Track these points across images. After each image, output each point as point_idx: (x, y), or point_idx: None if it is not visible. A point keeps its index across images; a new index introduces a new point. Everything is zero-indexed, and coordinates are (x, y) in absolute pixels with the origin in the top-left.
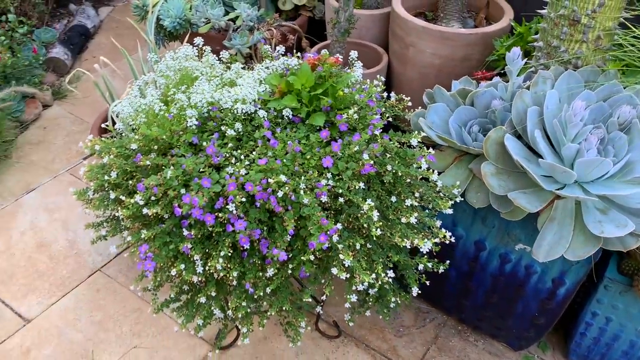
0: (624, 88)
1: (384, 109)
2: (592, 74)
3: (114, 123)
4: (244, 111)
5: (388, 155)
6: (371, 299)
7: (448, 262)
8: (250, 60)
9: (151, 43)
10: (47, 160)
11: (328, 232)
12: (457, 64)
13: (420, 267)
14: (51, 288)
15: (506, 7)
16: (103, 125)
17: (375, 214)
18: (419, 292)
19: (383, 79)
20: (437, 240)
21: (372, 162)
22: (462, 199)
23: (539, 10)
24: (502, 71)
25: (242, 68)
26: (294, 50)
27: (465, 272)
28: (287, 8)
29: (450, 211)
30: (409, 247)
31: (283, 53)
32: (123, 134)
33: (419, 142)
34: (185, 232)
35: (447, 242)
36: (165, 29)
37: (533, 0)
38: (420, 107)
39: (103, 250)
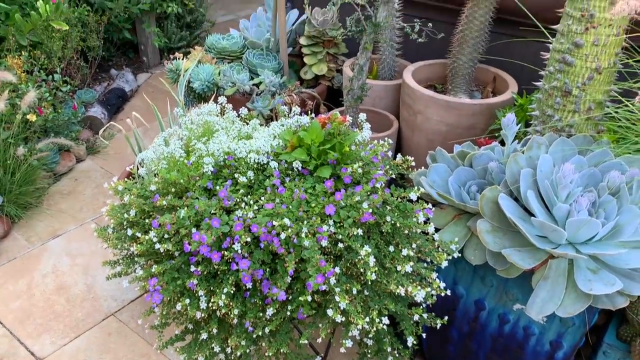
0: (616, 156)
1: (388, 167)
2: (585, 142)
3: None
4: (256, 161)
5: (388, 208)
6: (370, 351)
7: (447, 317)
8: (270, 122)
9: (180, 102)
10: (75, 209)
11: (326, 274)
12: (463, 131)
13: (416, 317)
14: (65, 329)
15: (511, 81)
16: (127, 169)
17: (371, 260)
18: (424, 355)
19: (391, 141)
20: (433, 291)
21: (370, 210)
22: (461, 255)
23: (536, 83)
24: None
25: (259, 125)
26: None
27: (466, 332)
28: (308, 77)
29: (446, 263)
30: (404, 295)
31: (298, 114)
32: (144, 178)
33: (420, 199)
34: (193, 269)
35: (443, 294)
36: (195, 91)
37: (539, 76)
38: (424, 168)
39: (118, 296)
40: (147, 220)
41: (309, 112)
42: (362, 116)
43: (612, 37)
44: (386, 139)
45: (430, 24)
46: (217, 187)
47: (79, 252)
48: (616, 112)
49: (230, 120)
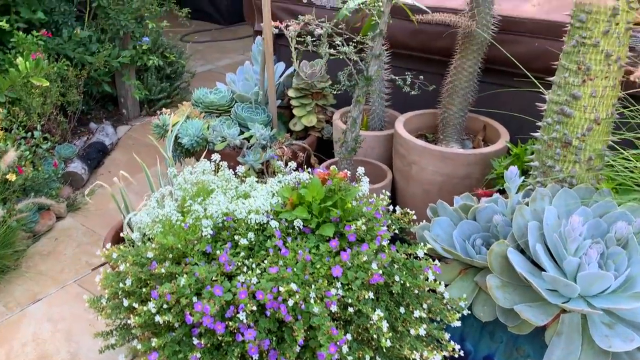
0: (618, 205)
1: (390, 222)
2: (587, 192)
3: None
4: (257, 221)
5: (396, 266)
6: None
7: None
8: (262, 175)
9: (169, 159)
10: (56, 271)
11: (337, 343)
12: (458, 181)
13: None
14: None
15: (502, 130)
16: (122, 234)
17: (384, 325)
18: None
19: (388, 193)
20: (445, 353)
21: (380, 272)
22: (470, 312)
23: (533, 134)
24: (501, 188)
25: (255, 182)
26: (304, 166)
27: None
28: (297, 129)
29: (458, 324)
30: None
31: (295, 169)
32: (138, 243)
33: (425, 253)
34: (195, 341)
35: (457, 355)
36: (183, 146)
37: (528, 125)
38: (424, 221)
39: None
40: (144, 289)
41: (301, 163)
42: (361, 170)
43: (609, 88)
44: (384, 191)
45: (421, 76)
46: (217, 251)
47: (61, 317)
48: (614, 161)
49: (225, 178)
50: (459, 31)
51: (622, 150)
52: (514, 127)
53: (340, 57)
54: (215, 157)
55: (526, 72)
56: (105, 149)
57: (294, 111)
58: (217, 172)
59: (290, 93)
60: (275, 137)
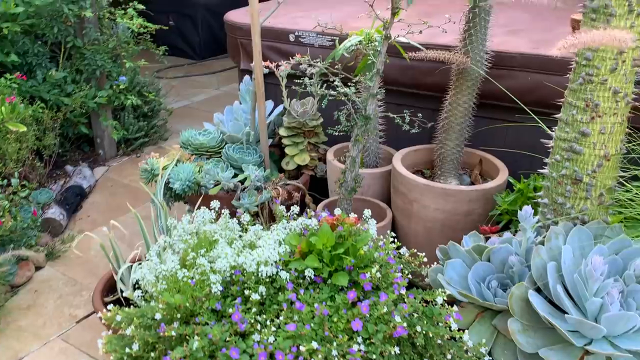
0: (632, 240)
1: (402, 266)
2: (599, 228)
3: (122, 291)
4: (267, 274)
5: (416, 315)
6: None
7: None
8: (257, 218)
9: (160, 205)
10: (37, 326)
11: None
12: (461, 218)
13: None
14: None
15: (499, 164)
16: (122, 294)
17: None
18: None
19: (393, 234)
20: None
21: (404, 324)
22: (490, 358)
23: (540, 170)
24: (507, 224)
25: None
26: (299, 207)
27: None
28: (290, 168)
29: None
30: None
31: (297, 213)
32: (141, 302)
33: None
34: None
35: None
36: (174, 190)
37: (523, 156)
38: (436, 263)
39: None
40: (152, 354)
41: (297, 204)
42: (367, 212)
43: (617, 125)
44: (388, 231)
45: (411, 111)
46: (228, 308)
47: None
48: (620, 195)
49: (227, 227)
50: (453, 68)
51: (626, 184)
52: (508, 159)
53: (338, 98)
54: (215, 204)
55: (523, 106)
56: (84, 192)
57: (286, 150)
58: (217, 219)
59: (282, 132)
60: (268, 177)
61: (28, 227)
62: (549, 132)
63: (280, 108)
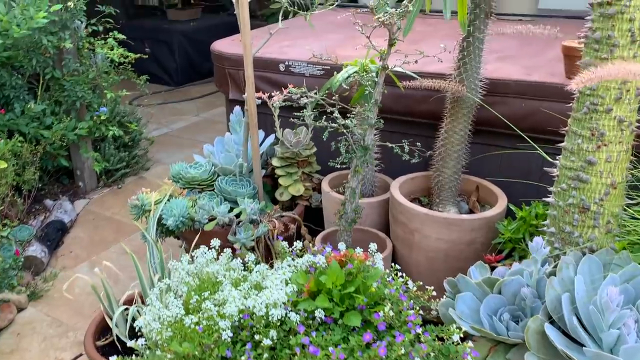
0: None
1: (412, 301)
2: (607, 257)
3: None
4: (278, 317)
5: (432, 354)
6: None
7: None
8: (253, 252)
9: (153, 242)
10: None
11: None
12: (464, 247)
13: None
14: None
15: (496, 190)
16: (126, 344)
17: None
18: None
19: (398, 267)
20: None
21: None
22: None
23: (546, 199)
24: (510, 252)
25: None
26: (294, 238)
27: None
28: (284, 199)
29: None
30: None
31: (301, 249)
32: (145, 351)
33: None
34: None
35: None
36: (167, 227)
37: (517, 183)
38: (443, 297)
39: None
40: None
41: (293, 237)
42: (373, 246)
43: (623, 153)
44: (393, 265)
45: (408, 139)
46: (239, 356)
47: None
48: (626, 222)
49: (230, 267)
50: (448, 95)
51: (628, 209)
52: (503, 184)
53: (339, 130)
54: (215, 242)
55: (519, 132)
56: (65, 227)
57: (280, 180)
58: (217, 257)
59: (275, 162)
60: (263, 209)
61: (10, 267)
62: (549, 159)
63: (271, 138)
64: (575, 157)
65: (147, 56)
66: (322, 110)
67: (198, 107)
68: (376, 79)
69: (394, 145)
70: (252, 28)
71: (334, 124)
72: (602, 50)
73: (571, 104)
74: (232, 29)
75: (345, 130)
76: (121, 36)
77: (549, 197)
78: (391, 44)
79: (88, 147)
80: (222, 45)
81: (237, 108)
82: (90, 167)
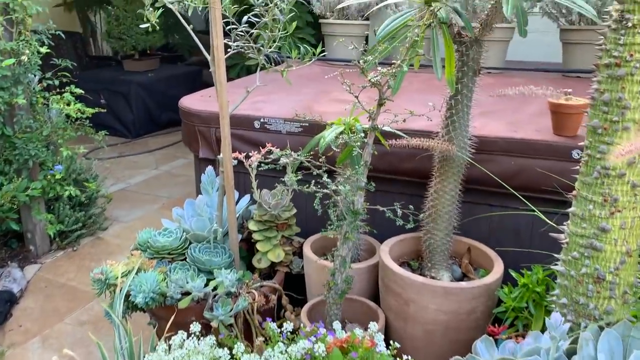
0: None
1: None
2: (625, 329)
3: None
4: None
5: None
6: None
7: None
8: (231, 329)
9: (120, 324)
10: None
11: None
12: (464, 317)
13: None
14: None
15: (490, 253)
16: None
17: None
18: None
19: (398, 345)
20: None
21: None
22: None
23: (554, 267)
24: (512, 322)
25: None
26: (276, 310)
27: None
28: (262, 266)
29: None
30: None
31: (290, 330)
32: None
33: None
34: None
35: None
36: (135, 304)
37: (507, 242)
38: None
39: None
40: None
41: (274, 309)
42: (373, 326)
43: (637, 219)
44: (393, 343)
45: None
46: None
47: None
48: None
49: (213, 357)
50: (436, 155)
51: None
52: (492, 243)
53: (331, 196)
54: (195, 327)
55: (512, 191)
56: (14, 297)
57: (258, 246)
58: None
59: (252, 226)
60: (241, 279)
61: None
62: (545, 219)
63: (247, 198)
64: (587, 224)
65: (104, 110)
66: (306, 172)
67: (157, 160)
68: (365, 140)
69: (385, 209)
70: (209, 80)
71: (324, 190)
72: (612, 112)
73: (560, 160)
74: (191, 79)
75: (334, 195)
76: (78, 90)
77: (547, 261)
78: (381, 104)
79: (41, 209)
80: (191, 102)
81: (210, 168)
82: (43, 229)
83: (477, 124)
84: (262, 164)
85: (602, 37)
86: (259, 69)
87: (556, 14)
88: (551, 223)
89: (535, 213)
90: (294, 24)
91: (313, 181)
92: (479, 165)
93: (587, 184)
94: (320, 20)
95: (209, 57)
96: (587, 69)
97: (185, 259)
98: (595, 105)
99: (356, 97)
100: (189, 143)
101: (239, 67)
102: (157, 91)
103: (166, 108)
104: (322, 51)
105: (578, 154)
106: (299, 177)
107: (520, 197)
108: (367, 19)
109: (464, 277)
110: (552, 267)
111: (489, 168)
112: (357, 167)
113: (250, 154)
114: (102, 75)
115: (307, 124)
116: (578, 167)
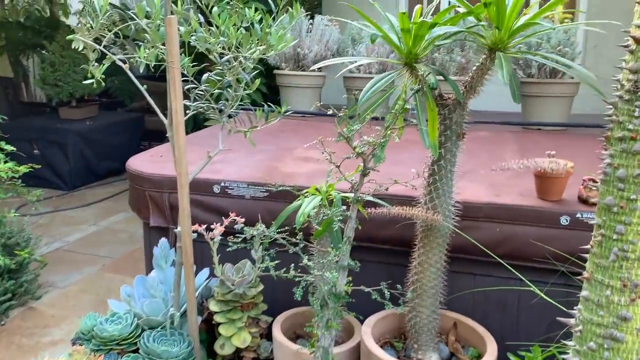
0: None
1: None
2: None
3: None
4: None
5: None
6: None
7: None
8: None
9: None
10: None
11: None
12: None
13: None
14: None
15: (479, 329)
16: None
17: None
18: None
19: None
20: None
21: None
22: None
23: (565, 357)
24: None
25: None
26: None
27: None
28: (226, 352)
29: None
30: None
31: None
32: None
33: None
34: None
35: None
36: None
37: (493, 315)
38: None
39: None
40: None
41: None
42: None
43: None
44: None
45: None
46: None
47: None
48: None
49: None
50: (418, 223)
51: None
52: (477, 316)
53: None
54: None
55: (499, 260)
56: None
57: (221, 329)
58: None
59: (213, 306)
60: None
61: None
62: (538, 292)
63: (205, 272)
64: (604, 312)
65: (40, 166)
66: (280, 248)
67: (96, 215)
68: (347, 213)
69: (370, 290)
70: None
71: (308, 277)
72: (629, 189)
73: (548, 227)
74: (133, 126)
75: (316, 279)
76: (9, 147)
77: (542, 338)
78: (365, 174)
79: None
80: (141, 163)
81: (164, 241)
82: None
83: (457, 186)
84: (229, 243)
85: (611, 106)
86: (220, 129)
87: (514, 67)
88: (541, 294)
89: (525, 283)
90: (258, 81)
91: (292, 265)
92: (463, 234)
93: (603, 266)
94: (275, 71)
95: (165, 121)
96: (546, 122)
97: (137, 350)
98: (608, 181)
99: (337, 166)
100: (137, 209)
101: (191, 120)
102: (96, 140)
103: (105, 157)
104: (288, 109)
105: (567, 220)
106: (270, 254)
107: (507, 265)
108: (320, 69)
109: (451, 356)
110: (564, 357)
111: (473, 235)
112: (337, 243)
113: (212, 226)
114: (35, 123)
115: (274, 189)
116: (567, 231)
